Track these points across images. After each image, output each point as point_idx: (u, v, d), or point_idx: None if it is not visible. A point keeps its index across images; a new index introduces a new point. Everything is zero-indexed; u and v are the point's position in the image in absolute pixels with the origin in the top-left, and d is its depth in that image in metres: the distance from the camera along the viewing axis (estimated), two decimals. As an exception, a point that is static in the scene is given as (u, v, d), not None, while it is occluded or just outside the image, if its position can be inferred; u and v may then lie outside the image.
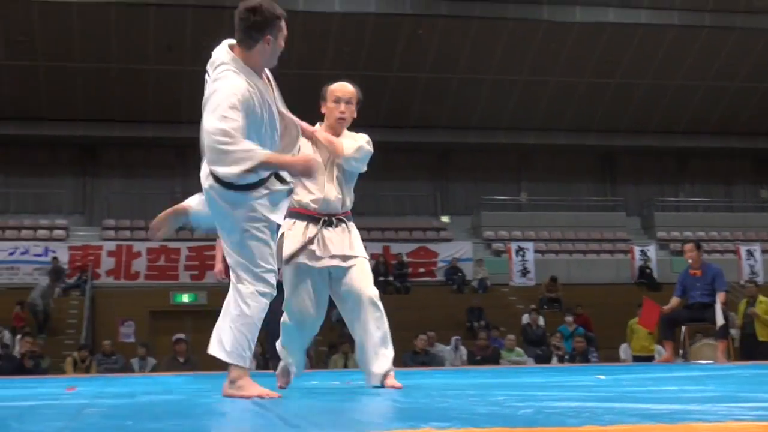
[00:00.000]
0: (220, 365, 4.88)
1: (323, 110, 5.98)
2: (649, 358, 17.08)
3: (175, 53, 26.34)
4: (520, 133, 30.71)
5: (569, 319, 20.70)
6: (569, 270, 27.23)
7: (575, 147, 31.74)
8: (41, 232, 27.17)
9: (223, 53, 4.84)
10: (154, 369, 17.07)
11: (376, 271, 24.88)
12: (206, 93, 4.75)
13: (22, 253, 24.92)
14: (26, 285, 24.15)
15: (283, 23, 4.87)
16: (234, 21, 4.87)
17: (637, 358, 17.85)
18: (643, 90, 29.90)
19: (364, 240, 5.92)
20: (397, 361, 18.02)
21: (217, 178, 4.66)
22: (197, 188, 5.02)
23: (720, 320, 12.04)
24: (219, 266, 9.46)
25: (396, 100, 28.32)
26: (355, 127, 6.04)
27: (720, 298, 12.18)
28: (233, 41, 4.87)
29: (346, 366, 17.28)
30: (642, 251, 28.08)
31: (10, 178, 29.56)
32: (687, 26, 28.03)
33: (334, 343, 19.21)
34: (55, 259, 24.51)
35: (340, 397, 5.10)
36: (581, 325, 20.55)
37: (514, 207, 32.01)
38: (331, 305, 6.01)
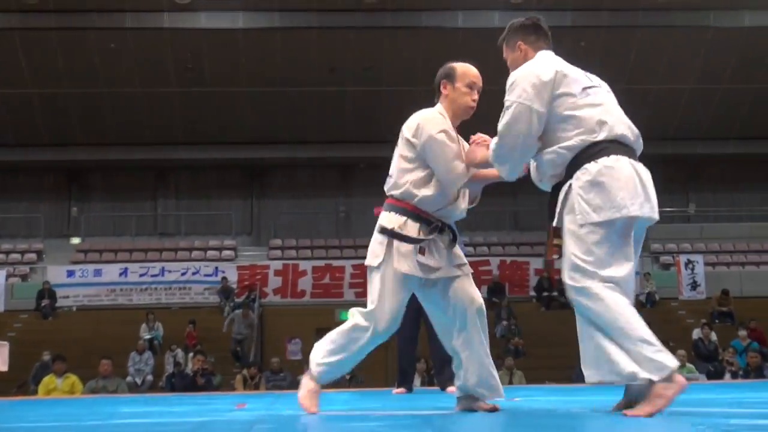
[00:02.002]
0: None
1: (444, 92, 5.08)
2: (830, 374, 16.42)
3: (337, 75, 26.80)
4: (687, 143, 29.97)
5: (743, 333, 20.03)
6: (741, 283, 26.34)
7: (744, 156, 30.80)
8: (211, 253, 28.00)
9: None
10: (321, 386, 17.28)
11: (539, 287, 24.67)
12: None
13: (194, 274, 25.65)
14: (197, 305, 24.90)
15: None
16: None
17: (816, 374, 17.18)
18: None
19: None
20: (566, 377, 17.72)
21: None
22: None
23: None
24: None
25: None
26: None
27: None
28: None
29: (510, 382, 17.08)
30: (820, 262, 27.04)
31: (181, 201, 30.61)
32: None
33: (500, 357, 18.96)
34: (224, 279, 25.13)
35: (510, 415, 5.01)
36: (755, 340, 19.90)
37: (682, 219, 31.22)
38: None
